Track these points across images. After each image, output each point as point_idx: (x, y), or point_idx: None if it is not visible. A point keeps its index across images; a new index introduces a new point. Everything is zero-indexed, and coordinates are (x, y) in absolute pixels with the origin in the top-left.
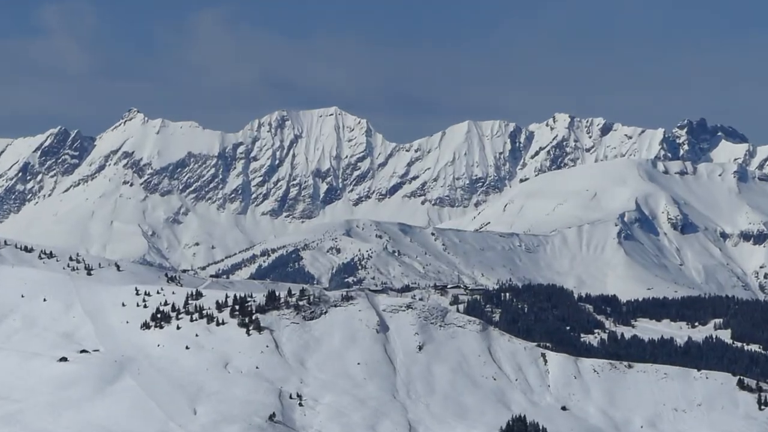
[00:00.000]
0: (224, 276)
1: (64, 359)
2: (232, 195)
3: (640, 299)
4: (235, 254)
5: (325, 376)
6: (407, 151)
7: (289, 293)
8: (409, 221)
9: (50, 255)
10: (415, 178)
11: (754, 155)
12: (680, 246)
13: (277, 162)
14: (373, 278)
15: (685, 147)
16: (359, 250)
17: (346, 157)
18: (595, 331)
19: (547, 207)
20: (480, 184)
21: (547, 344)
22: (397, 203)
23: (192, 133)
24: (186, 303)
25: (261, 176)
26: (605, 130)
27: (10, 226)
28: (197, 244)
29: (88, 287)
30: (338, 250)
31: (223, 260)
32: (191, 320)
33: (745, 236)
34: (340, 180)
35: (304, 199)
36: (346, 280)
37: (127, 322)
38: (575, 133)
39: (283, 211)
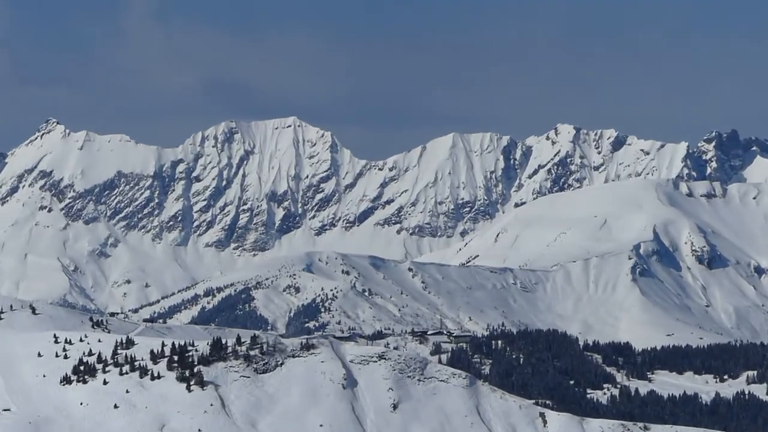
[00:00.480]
0: (161, 320)
1: None
2: (171, 223)
3: (659, 348)
4: (174, 294)
5: None
6: (380, 169)
7: (238, 341)
8: (383, 254)
9: None
10: (389, 202)
11: None
12: (707, 283)
13: (224, 183)
14: (339, 323)
15: (713, 164)
16: (322, 289)
17: (307, 176)
18: (605, 386)
19: (547, 237)
20: (467, 209)
21: (547, 402)
22: (368, 232)
23: (122, 149)
24: (115, 353)
25: (205, 200)
26: (617, 144)
27: None
28: (128, 281)
29: None
30: (297, 289)
31: (159, 301)
32: (121, 374)
33: None
34: (299, 204)
35: (257, 228)
36: (307, 325)
37: (44, 376)
38: (581, 147)
39: (232, 242)
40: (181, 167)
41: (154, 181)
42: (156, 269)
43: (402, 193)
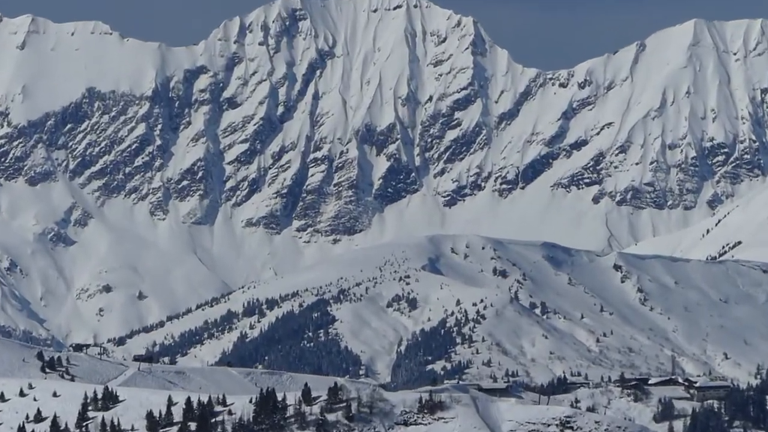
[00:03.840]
0: (165, 359)
1: None
2: (185, 182)
3: None
4: (190, 312)
5: None
6: (562, 86)
7: (306, 397)
8: (571, 242)
9: None
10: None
11: None
12: None
13: (280, 110)
14: (489, 362)
15: None
16: (459, 302)
17: (431, 98)
18: None
19: None
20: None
21: None
22: (542, 194)
23: (97, 46)
24: (83, 417)
25: (246, 140)
26: None
27: None
28: (106, 289)
29: None
30: (412, 302)
31: (162, 324)
32: None
33: None
34: (417, 148)
35: (330, 193)
36: (431, 366)
37: None
38: None
39: (287, 216)
40: (202, 81)
41: (152, 106)
42: (157, 265)
43: (603, 127)
